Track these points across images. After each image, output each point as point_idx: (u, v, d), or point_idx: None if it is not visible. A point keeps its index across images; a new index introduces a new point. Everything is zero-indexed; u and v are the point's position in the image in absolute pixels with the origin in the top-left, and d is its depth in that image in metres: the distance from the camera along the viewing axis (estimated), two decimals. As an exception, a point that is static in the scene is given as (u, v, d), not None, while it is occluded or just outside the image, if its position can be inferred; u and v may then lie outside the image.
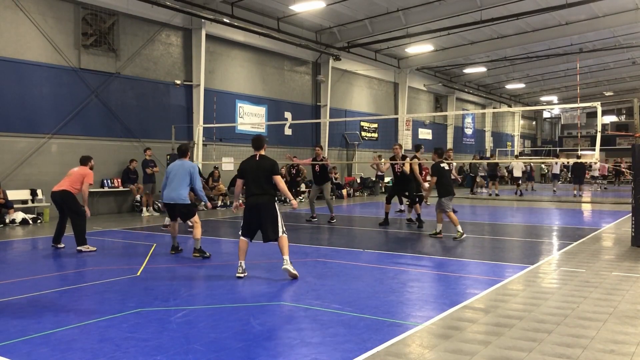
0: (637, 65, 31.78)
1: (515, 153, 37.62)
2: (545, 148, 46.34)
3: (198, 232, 8.52)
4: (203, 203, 8.71)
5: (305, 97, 23.40)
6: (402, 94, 29.15)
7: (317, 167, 13.26)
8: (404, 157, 12.43)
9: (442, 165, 10.35)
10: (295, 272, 6.80)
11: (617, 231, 11.41)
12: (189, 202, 8.78)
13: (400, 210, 15.19)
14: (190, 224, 9.01)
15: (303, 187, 21.11)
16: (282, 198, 13.70)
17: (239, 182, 7.23)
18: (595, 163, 26.29)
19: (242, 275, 6.88)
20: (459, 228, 10.14)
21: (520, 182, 24.82)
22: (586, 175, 27.90)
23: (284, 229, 6.97)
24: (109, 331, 4.67)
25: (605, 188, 29.80)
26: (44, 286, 6.34)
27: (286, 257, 6.84)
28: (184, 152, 8.95)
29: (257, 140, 7.18)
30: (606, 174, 31.64)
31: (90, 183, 9.40)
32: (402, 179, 12.36)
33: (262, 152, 7.11)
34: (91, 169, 9.56)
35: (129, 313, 5.23)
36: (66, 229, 9.41)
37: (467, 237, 10.39)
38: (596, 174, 29.35)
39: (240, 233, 7.09)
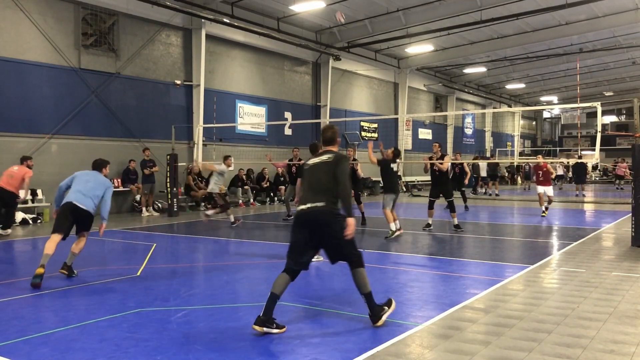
0: (637, 65, 31.77)
1: (509, 152, 37.47)
2: (546, 148, 46.36)
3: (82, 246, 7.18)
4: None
5: (305, 97, 23.40)
6: (402, 94, 29.15)
7: (293, 168, 13.83)
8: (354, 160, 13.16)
9: (392, 165, 10.76)
10: None
11: (617, 231, 11.41)
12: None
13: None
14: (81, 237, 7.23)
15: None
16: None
17: (299, 181, 9.24)
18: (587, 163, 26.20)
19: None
20: (392, 227, 10.29)
21: (488, 182, 24.95)
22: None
23: None
24: (109, 331, 4.67)
25: (622, 188, 29.62)
26: (45, 286, 6.33)
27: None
28: (100, 165, 7.50)
29: (316, 146, 8.11)
30: (622, 174, 31.30)
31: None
32: (352, 178, 13.19)
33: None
34: (29, 167, 11.56)
35: (129, 313, 5.23)
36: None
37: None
38: (591, 173, 29.22)
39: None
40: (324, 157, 4.95)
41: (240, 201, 18.04)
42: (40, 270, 6.42)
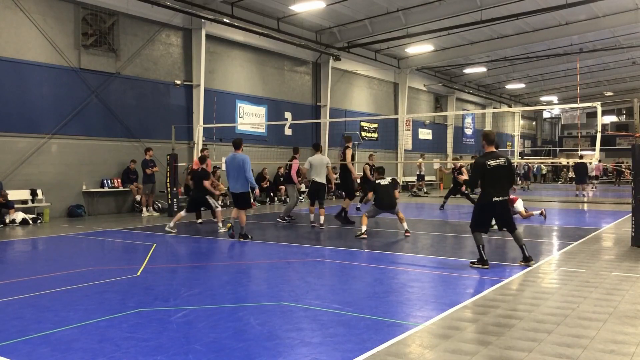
0: (637, 65, 31.78)
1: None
2: (546, 148, 46.35)
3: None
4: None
5: (305, 97, 23.40)
6: (402, 94, 29.15)
7: (286, 168, 13.97)
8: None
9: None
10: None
11: (617, 231, 11.41)
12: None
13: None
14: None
15: (303, 187, 21.09)
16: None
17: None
18: (590, 163, 26.17)
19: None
20: (362, 228, 10.47)
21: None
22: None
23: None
24: (109, 331, 4.67)
25: (595, 187, 29.60)
26: (44, 286, 6.34)
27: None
28: (237, 145, 10.37)
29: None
30: (599, 174, 31.39)
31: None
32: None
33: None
34: (207, 157, 13.06)
35: (129, 313, 5.23)
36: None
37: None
38: (593, 173, 29.22)
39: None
40: (502, 161, 7.35)
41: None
42: (229, 225, 10.60)
